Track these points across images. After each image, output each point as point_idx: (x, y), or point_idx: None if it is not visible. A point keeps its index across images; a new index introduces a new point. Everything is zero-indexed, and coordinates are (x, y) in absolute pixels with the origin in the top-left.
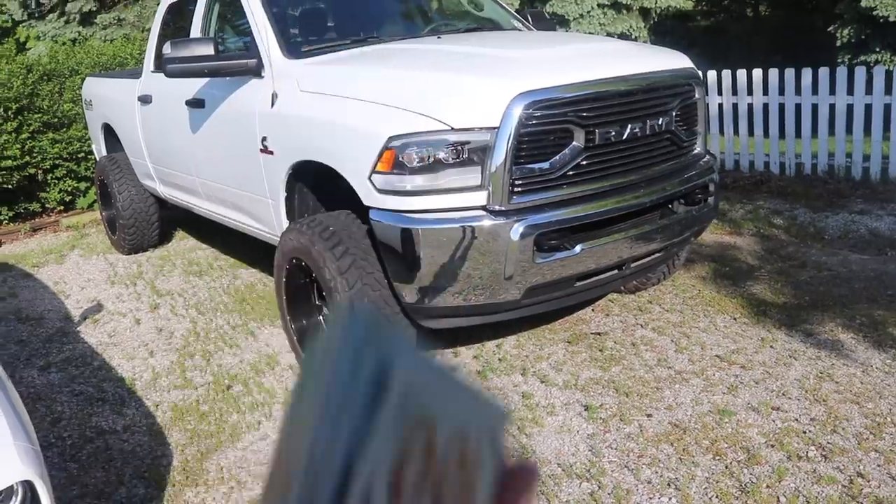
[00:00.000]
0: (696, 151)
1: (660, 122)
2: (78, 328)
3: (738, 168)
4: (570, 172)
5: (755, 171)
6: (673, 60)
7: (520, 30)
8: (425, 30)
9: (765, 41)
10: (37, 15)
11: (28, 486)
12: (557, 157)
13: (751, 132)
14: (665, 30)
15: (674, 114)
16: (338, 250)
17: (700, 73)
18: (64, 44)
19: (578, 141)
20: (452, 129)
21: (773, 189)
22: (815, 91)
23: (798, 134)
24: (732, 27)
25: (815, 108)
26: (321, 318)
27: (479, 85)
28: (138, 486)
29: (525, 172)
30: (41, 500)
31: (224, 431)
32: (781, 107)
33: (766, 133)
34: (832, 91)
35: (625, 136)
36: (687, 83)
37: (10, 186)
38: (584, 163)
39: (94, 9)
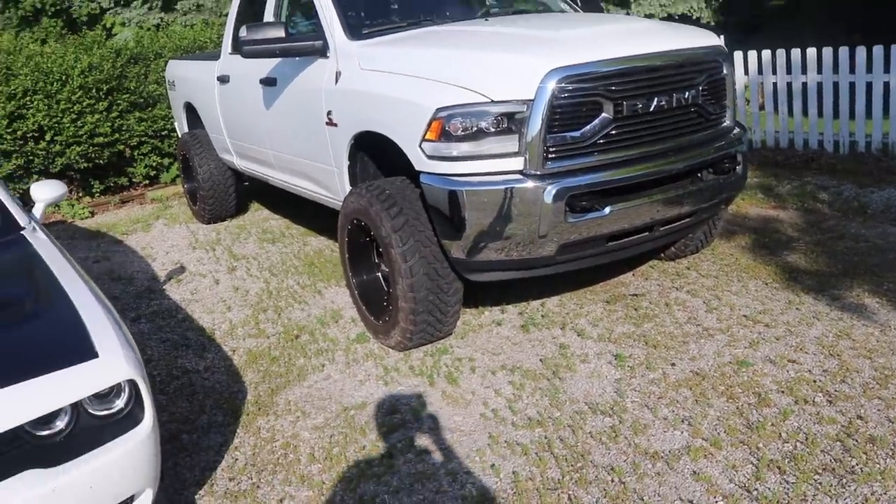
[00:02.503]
0: (724, 124)
1: (686, 96)
2: (164, 286)
3: (792, 146)
4: (600, 141)
5: (809, 149)
6: (700, 39)
7: (566, 12)
8: (477, 13)
9: (840, 20)
10: (122, 2)
11: (132, 385)
12: (588, 126)
13: (805, 112)
14: (733, 9)
15: (701, 88)
16: (393, 211)
17: (727, 49)
18: (148, 29)
19: (607, 112)
20: (493, 101)
21: (824, 166)
22: (869, 69)
23: (852, 114)
24: (807, 6)
25: (869, 86)
26: (379, 274)
27: (516, 61)
28: (217, 415)
29: (558, 140)
30: (143, 398)
31: (292, 372)
32: (836, 85)
33: (819, 113)
34: (887, 69)
35: (651, 109)
36: (714, 60)
37: (101, 162)
38: (613, 132)
39: None
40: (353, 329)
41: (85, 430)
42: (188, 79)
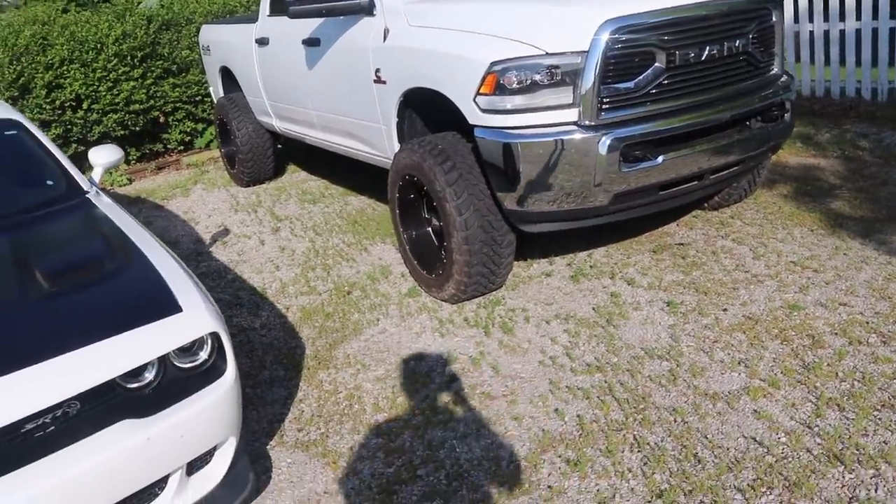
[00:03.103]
0: (773, 72)
1: (736, 44)
2: (210, 249)
3: (829, 95)
4: (653, 91)
5: (846, 97)
6: None
7: None
8: None
9: None
10: None
11: (215, 338)
12: (641, 77)
13: (843, 61)
14: None
15: (750, 36)
16: (446, 165)
17: None
18: None
19: (660, 62)
20: (547, 53)
21: (863, 114)
22: None
23: (892, 61)
24: None
25: None
26: (429, 229)
27: (569, 14)
28: (278, 370)
29: (612, 91)
30: (226, 350)
31: (347, 327)
32: (875, 31)
33: (857, 61)
34: None
35: (703, 58)
36: (763, 7)
37: (137, 129)
38: (666, 82)
39: None
40: (403, 284)
41: (172, 382)
42: (224, 42)
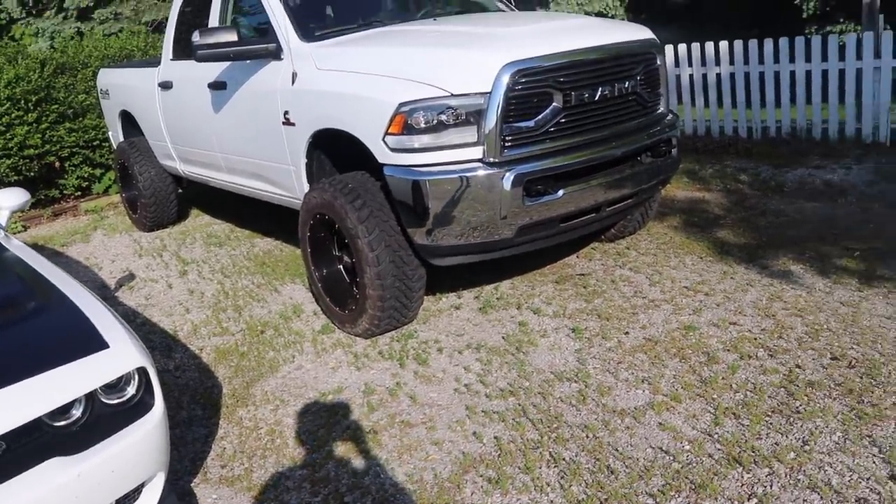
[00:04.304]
0: (659, 110)
1: (626, 85)
2: (116, 294)
3: (709, 133)
4: (552, 129)
5: (725, 135)
6: (636, 32)
7: (504, 10)
8: (419, 14)
9: (741, 16)
10: (34, 12)
11: (143, 373)
12: (540, 116)
13: (720, 102)
14: (641, 6)
15: (638, 78)
16: (357, 203)
17: (660, 42)
18: (64, 39)
19: (557, 102)
20: (452, 94)
21: (741, 150)
22: (776, 59)
23: (763, 102)
24: (709, 2)
25: (777, 75)
26: (341, 266)
27: (472, 57)
28: (196, 409)
29: (513, 129)
30: (153, 385)
31: (263, 365)
32: (747, 76)
33: (733, 103)
34: (792, 59)
35: (597, 98)
36: (649, 51)
37: (31, 174)
38: (563, 120)
39: (91, 4)
40: (316, 321)
41: (100, 419)
42: (125, 86)
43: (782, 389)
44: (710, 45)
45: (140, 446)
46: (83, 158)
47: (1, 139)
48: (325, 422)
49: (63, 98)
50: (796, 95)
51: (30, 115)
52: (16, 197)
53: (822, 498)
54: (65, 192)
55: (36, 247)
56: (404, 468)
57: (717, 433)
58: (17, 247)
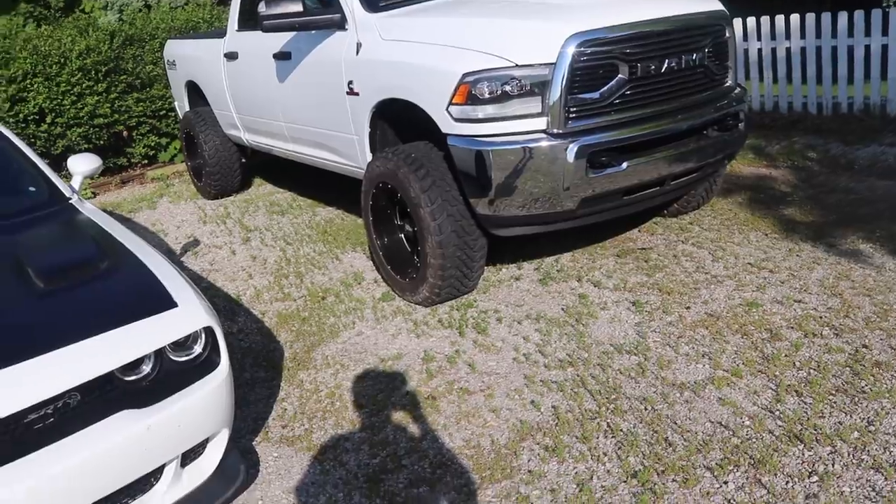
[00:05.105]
0: (727, 84)
1: (694, 58)
2: (181, 259)
3: (777, 109)
4: (617, 101)
5: (794, 111)
6: (705, 4)
7: None
8: None
9: None
10: None
11: (210, 332)
12: (605, 87)
13: (789, 77)
14: None
15: (706, 50)
16: (420, 172)
17: (728, 14)
18: (132, 12)
19: (623, 74)
20: (517, 65)
21: (809, 127)
22: (850, 34)
23: (835, 77)
24: None
25: (850, 49)
26: (402, 235)
27: (537, 28)
28: (259, 371)
29: (578, 101)
30: (219, 344)
31: (324, 330)
32: (818, 50)
33: (803, 78)
34: (867, 33)
35: (663, 70)
36: (718, 23)
37: (100, 143)
38: (629, 92)
39: None
40: (377, 289)
41: (168, 375)
42: (191, 57)
43: (847, 369)
44: (780, 19)
45: (206, 403)
46: (150, 128)
47: (73, 108)
48: (384, 387)
49: (131, 69)
50: (870, 70)
51: (99, 85)
52: (88, 162)
53: (886, 479)
54: (132, 160)
55: (105, 213)
56: (462, 434)
57: (778, 410)
58: (91, 210)
